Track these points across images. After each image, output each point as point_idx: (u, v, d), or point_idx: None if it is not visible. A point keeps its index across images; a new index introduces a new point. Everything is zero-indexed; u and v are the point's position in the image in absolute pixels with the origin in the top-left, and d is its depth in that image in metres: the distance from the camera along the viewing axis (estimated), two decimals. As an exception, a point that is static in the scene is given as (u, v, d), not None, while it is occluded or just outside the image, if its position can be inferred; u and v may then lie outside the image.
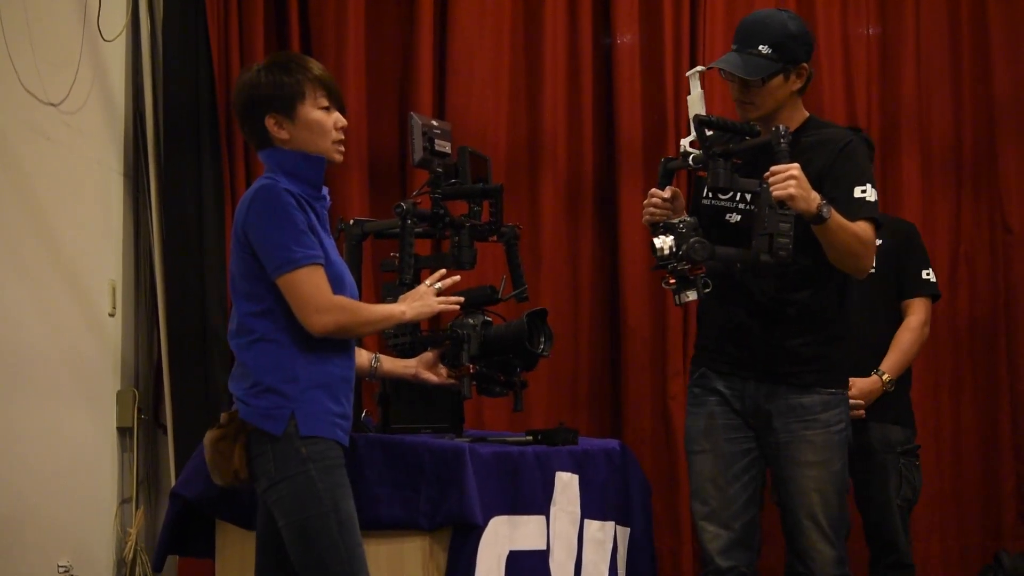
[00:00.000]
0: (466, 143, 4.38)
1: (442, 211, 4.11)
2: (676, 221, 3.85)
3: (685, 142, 4.05)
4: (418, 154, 4.09)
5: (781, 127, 3.89)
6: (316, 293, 3.46)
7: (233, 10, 5.73)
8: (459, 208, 4.20)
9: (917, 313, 5.06)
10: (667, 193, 4.04)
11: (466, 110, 5.94)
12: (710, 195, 4.13)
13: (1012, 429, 6.21)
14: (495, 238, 4.26)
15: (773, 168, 3.82)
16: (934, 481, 5.98)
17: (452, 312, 3.86)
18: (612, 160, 6.09)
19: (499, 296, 4.15)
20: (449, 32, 5.99)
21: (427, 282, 3.78)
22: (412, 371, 4.06)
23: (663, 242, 3.83)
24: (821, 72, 6.14)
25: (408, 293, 3.76)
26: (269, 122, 3.56)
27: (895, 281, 5.09)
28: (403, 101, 5.98)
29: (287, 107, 3.56)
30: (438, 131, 4.15)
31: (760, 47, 4.06)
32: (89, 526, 5.44)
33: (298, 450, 3.45)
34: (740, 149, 3.97)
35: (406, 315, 3.67)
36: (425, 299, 3.72)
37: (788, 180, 3.78)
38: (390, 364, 4.07)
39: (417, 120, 4.10)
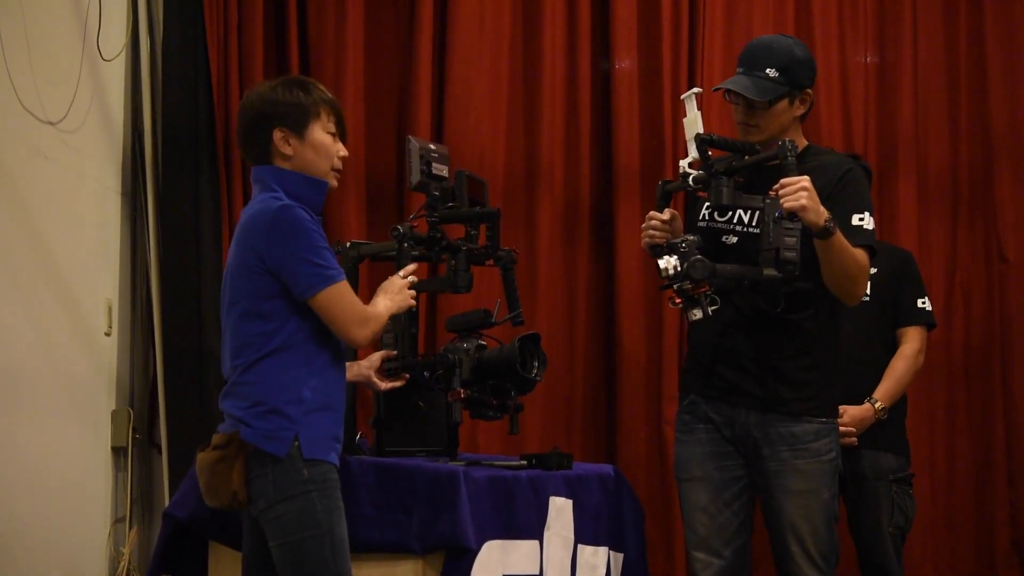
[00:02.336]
0: (464, 167, 4.39)
1: (439, 234, 4.12)
2: (678, 240, 3.88)
3: (684, 163, 4.05)
4: (415, 177, 4.10)
5: (787, 141, 3.92)
6: (355, 307, 3.53)
7: (233, 31, 5.74)
8: (456, 231, 4.21)
9: (912, 342, 5.06)
10: (666, 215, 4.06)
11: (464, 134, 5.95)
12: (707, 216, 4.15)
13: (1006, 457, 6.21)
14: (491, 262, 4.26)
15: (783, 180, 3.84)
16: (928, 508, 5.98)
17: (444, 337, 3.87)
18: (609, 184, 6.10)
19: (493, 320, 4.16)
20: (447, 56, 6.00)
21: (400, 275, 3.79)
22: (364, 376, 4.08)
23: (667, 262, 3.84)
24: (819, 100, 6.13)
25: (384, 285, 3.75)
26: (277, 135, 3.57)
27: (890, 309, 5.09)
28: (401, 124, 5.98)
29: (298, 124, 3.59)
30: (436, 154, 4.16)
31: (768, 70, 4.09)
32: (82, 545, 5.43)
33: (300, 472, 3.46)
34: (742, 166, 4.00)
35: (391, 310, 3.69)
36: (403, 293, 3.74)
37: (800, 191, 3.80)
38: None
39: (415, 143, 4.11)
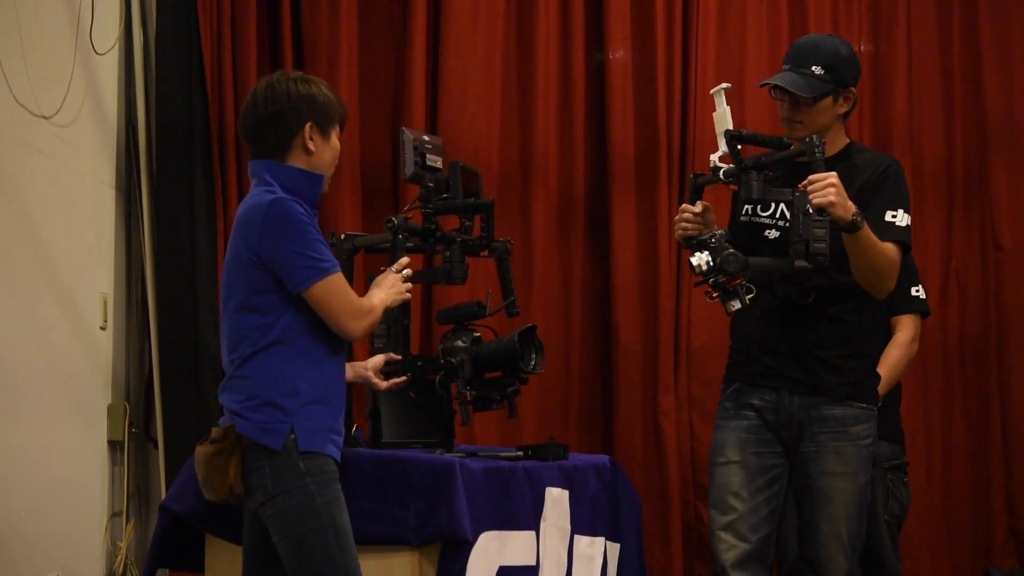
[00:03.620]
0: (458, 158, 4.39)
1: (433, 226, 4.12)
2: (707, 236, 3.95)
3: (715, 157, 4.09)
4: (409, 169, 4.10)
5: (815, 137, 3.97)
6: (350, 299, 3.53)
7: (226, 24, 5.74)
8: (450, 223, 4.20)
9: (906, 330, 5.06)
10: (698, 208, 4.08)
11: (458, 125, 5.95)
12: (748, 211, 4.22)
13: (1002, 445, 6.22)
14: (486, 253, 4.26)
15: (811, 176, 3.88)
16: (924, 497, 5.99)
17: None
18: (604, 175, 6.10)
19: (486, 311, 4.16)
20: (442, 48, 6.00)
21: (394, 268, 3.79)
22: (362, 376, 4.07)
23: (699, 259, 3.91)
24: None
25: (379, 279, 3.75)
26: (307, 129, 3.58)
27: (885, 297, 5.09)
28: (395, 116, 5.98)
29: (327, 123, 3.62)
30: (429, 146, 4.16)
31: (814, 67, 4.15)
32: (79, 539, 5.43)
33: (296, 464, 3.46)
34: (772, 161, 4.06)
35: (386, 302, 3.68)
36: (397, 286, 3.73)
37: (828, 187, 3.85)
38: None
39: (409, 135, 4.11)
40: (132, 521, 5.64)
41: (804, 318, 4.13)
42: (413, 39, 5.96)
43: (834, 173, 3.90)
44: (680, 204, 4.26)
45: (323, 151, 3.61)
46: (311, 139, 3.58)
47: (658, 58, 6.08)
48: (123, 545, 5.54)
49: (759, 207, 4.20)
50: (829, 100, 4.16)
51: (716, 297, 3.92)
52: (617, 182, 6.06)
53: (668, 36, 6.11)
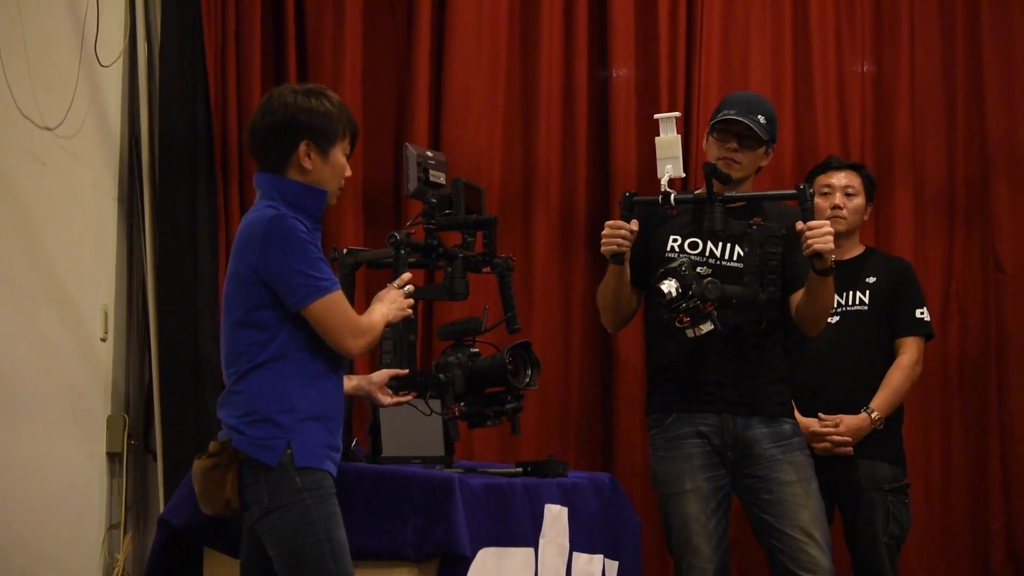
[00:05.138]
0: (460, 174, 4.39)
1: (435, 242, 4.12)
2: (676, 264, 4.18)
3: (664, 181, 4.31)
4: (412, 184, 4.10)
5: (806, 185, 4.29)
6: (349, 318, 3.53)
7: (231, 37, 5.75)
8: (453, 239, 4.21)
9: (909, 352, 5.07)
10: (634, 226, 4.31)
11: (461, 142, 5.94)
12: (676, 249, 4.46)
13: (1001, 468, 6.20)
14: (488, 269, 4.27)
15: (811, 223, 4.14)
16: (923, 518, 5.98)
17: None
18: (606, 193, 6.10)
19: (482, 326, 4.17)
20: (445, 63, 6.00)
21: (395, 284, 3.78)
22: (365, 391, 4.06)
23: (669, 286, 4.14)
24: (815, 109, 6.18)
25: (380, 294, 3.74)
26: (302, 148, 3.56)
27: (888, 319, 5.10)
28: (398, 131, 5.99)
29: (325, 141, 3.58)
30: (433, 162, 4.16)
31: (759, 116, 4.43)
32: (77, 551, 5.42)
33: (292, 479, 3.46)
34: (750, 198, 4.41)
35: (387, 318, 3.68)
36: (399, 302, 3.73)
37: (828, 234, 4.13)
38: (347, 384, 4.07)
39: (412, 150, 4.11)
40: (130, 533, 5.63)
41: (746, 346, 4.40)
42: (417, 55, 5.97)
43: (827, 222, 4.21)
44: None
45: (322, 169, 3.59)
46: (308, 156, 3.57)
47: (661, 77, 6.09)
48: (120, 557, 5.53)
49: (687, 243, 4.45)
50: (763, 149, 4.48)
51: (686, 323, 4.15)
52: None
53: (672, 55, 6.11)
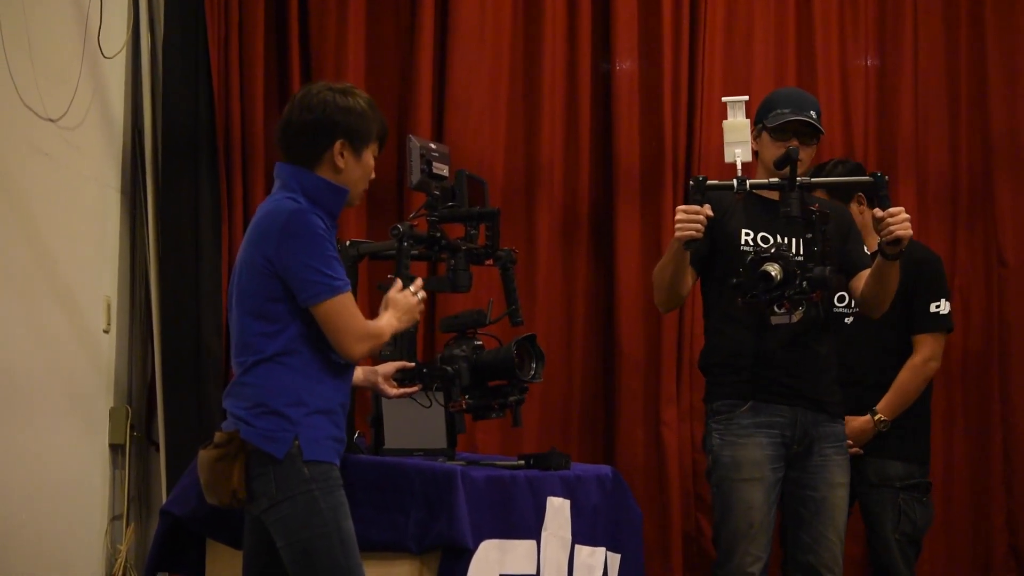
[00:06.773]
0: (464, 167, 4.39)
1: (439, 234, 4.11)
2: (782, 250, 4.27)
3: (738, 164, 4.32)
4: (416, 176, 4.10)
5: (881, 173, 4.33)
6: (355, 321, 3.50)
7: (234, 29, 5.74)
8: (456, 231, 4.20)
9: (922, 350, 5.02)
10: (709, 210, 4.26)
11: (464, 135, 5.94)
12: (750, 242, 4.44)
13: (1004, 463, 6.21)
14: (491, 262, 4.26)
15: (891, 210, 4.21)
16: (925, 513, 5.98)
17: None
18: (609, 186, 6.10)
19: (487, 319, 4.16)
20: (448, 57, 6.00)
21: (412, 289, 3.75)
22: (372, 382, 4.05)
23: (776, 269, 4.17)
24: (819, 103, 6.15)
25: (396, 299, 3.70)
26: (337, 146, 3.56)
27: (905, 318, 5.04)
28: (401, 124, 5.98)
29: (361, 142, 3.60)
30: (436, 154, 4.15)
31: (811, 112, 4.50)
32: (79, 542, 5.43)
33: (300, 471, 3.46)
34: (814, 183, 4.45)
35: (397, 327, 3.67)
36: (412, 312, 3.71)
37: (906, 221, 4.21)
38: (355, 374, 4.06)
39: (415, 143, 4.11)
40: (132, 525, 5.63)
41: (811, 340, 4.44)
42: (420, 47, 5.96)
43: (903, 208, 4.24)
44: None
45: (352, 169, 3.60)
46: (341, 155, 3.57)
47: (664, 70, 6.09)
48: (123, 548, 5.54)
49: (758, 237, 4.44)
50: (816, 142, 4.54)
51: (785, 309, 4.17)
52: (622, 193, 6.06)
53: (675, 48, 6.11)
